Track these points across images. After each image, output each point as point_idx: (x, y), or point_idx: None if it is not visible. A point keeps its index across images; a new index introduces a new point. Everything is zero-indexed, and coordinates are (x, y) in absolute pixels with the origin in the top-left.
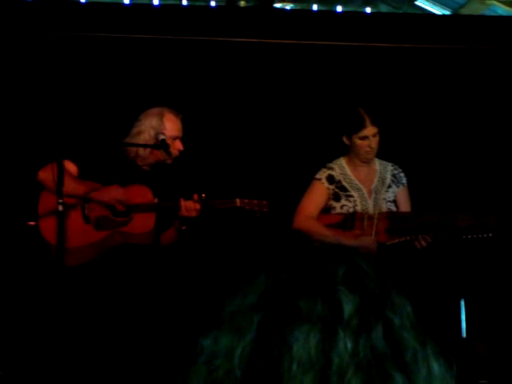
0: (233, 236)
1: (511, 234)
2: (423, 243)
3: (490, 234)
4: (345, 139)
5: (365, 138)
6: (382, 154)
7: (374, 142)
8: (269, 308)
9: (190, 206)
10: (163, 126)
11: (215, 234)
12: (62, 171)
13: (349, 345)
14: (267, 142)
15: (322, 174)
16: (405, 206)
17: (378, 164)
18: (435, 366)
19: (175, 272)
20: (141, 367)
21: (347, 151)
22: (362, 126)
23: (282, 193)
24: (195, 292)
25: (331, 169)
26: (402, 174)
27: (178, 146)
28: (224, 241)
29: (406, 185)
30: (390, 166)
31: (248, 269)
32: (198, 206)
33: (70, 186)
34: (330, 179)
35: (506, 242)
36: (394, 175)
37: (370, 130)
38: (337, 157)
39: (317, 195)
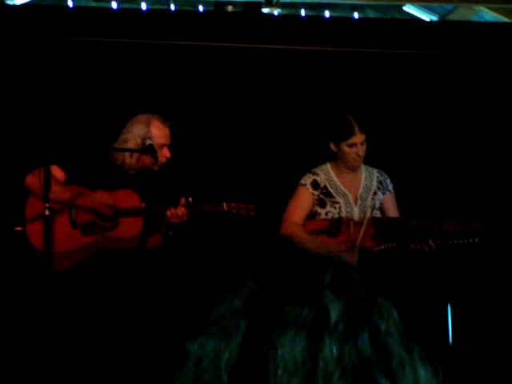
0: (220, 241)
1: (497, 240)
2: (425, 247)
3: (476, 240)
4: (332, 146)
5: (353, 145)
6: (369, 159)
7: (361, 150)
8: (255, 313)
9: (177, 213)
10: (150, 134)
11: (202, 238)
12: (48, 176)
13: (334, 350)
14: (254, 147)
15: (307, 180)
16: (391, 213)
17: (364, 170)
18: (421, 372)
19: (162, 277)
20: (127, 371)
21: (333, 157)
22: (351, 134)
23: (269, 197)
24: (182, 297)
25: (316, 174)
26: (388, 181)
27: (165, 153)
28: (211, 245)
29: (392, 191)
30: (376, 173)
31: (235, 274)
32: (185, 211)
33: (57, 192)
34: (315, 185)
35: (492, 248)
36: (380, 182)
37: (358, 138)
38: (324, 162)
39: (302, 201)
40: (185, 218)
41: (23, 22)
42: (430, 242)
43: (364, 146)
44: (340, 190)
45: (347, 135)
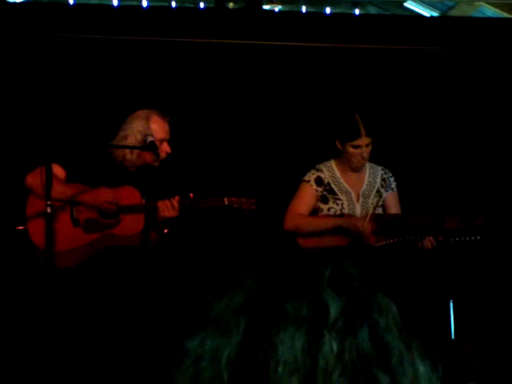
0: (221, 236)
1: (499, 237)
2: (428, 244)
3: (478, 237)
4: (338, 144)
5: (357, 147)
6: (372, 156)
7: (365, 152)
8: (255, 310)
9: (167, 205)
10: (150, 129)
11: (204, 234)
12: (50, 173)
13: (334, 347)
14: (256, 142)
15: (311, 176)
16: (393, 211)
17: (368, 168)
18: (421, 368)
19: (163, 274)
20: (128, 367)
21: (339, 154)
22: (357, 136)
23: (271, 192)
24: (182, 294)
25: (320, 170)
26: (391, 179)
27: (165, 148)
28: (212, 242)
29: (395, 189)
30: (380, 170)
31: (234, 271)
32: (176, 205)
33: (59, 190)
34: (319, 181)
35: (493, 245)
36: (383, 179)
37: (363, 140)
38: (327, 157)
39: (306, 197)
40: (177, 211)
41: (24, 20)
42: (431, 238)
43: (369, 148)
44: (343, 187)
45: (353, 137)
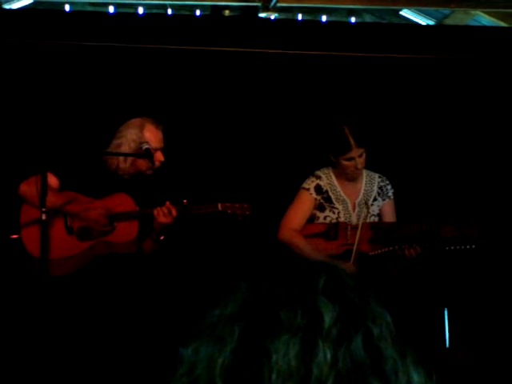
0: (215, 243)
1: (494, 246)
2: (412, 252)
3: (473, 246)
4: (332, 157)
5: (350, 159)
6: (368, 163)
7: (359, 163)
8: (249, 318)
9: (163, 211)
10: (144, 138)
11: (197, 241)
12: (45, 181)
13: (328, 355)
14: (249, 147)
15: (311, 184)
16: (389, 219)
17: (365, 176)
18: (415, 376)
19: (157, 281)
20: (122, 376)
21: (334, 165)
22: (348, 149)
23: (265, 197)
24: (176, 301)
25: (319, 178)
26: (388, 187)
27: (158, 157)
28: (206, 249)
29: (392, 197)
30: (377, 178)
31: (229, 279)
32: (172, 209)
33: (50, 198)
34: (318, 189)
35: (488, 254)
36: (380, 187)
37: (355, 152)
38: (321, 163)
39: (304, 206)
40: (171, 218)
41: (20, 27)
42: (416, 247)
43: (362, 158)
44: (340, 196)
45: (344, 151)
